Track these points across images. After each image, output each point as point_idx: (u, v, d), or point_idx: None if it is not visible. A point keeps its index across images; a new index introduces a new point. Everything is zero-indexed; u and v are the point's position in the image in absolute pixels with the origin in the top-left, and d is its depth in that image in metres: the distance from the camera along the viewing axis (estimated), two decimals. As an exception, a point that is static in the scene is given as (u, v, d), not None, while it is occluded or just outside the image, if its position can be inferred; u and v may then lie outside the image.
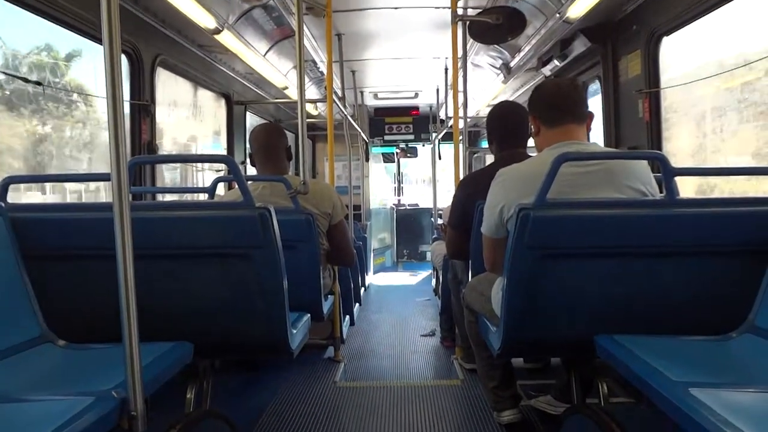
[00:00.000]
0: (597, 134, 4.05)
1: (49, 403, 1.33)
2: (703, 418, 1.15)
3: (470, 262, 2.76)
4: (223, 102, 5.14)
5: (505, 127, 2.83)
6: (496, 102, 6.79)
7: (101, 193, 3.46)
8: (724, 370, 1.57)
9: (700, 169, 3.03)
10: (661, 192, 2.06)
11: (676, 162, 2.94)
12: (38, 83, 2.75)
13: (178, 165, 4.68)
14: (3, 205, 1.84)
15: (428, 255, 9.03)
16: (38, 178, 3.06)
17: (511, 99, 6.45)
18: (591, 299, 1.87)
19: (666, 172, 1.81)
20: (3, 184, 1.91)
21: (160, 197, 3.80)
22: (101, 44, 1.29)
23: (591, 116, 2.11)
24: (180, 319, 1.94)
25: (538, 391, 2.88)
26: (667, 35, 3.27)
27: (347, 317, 4.44)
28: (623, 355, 1.61)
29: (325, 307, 2.88)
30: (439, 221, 6.81)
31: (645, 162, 2.07)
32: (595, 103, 4.06)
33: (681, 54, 3.25)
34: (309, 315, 2.53)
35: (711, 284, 1.85)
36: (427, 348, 4.18)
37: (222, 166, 4.70)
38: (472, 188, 2.72)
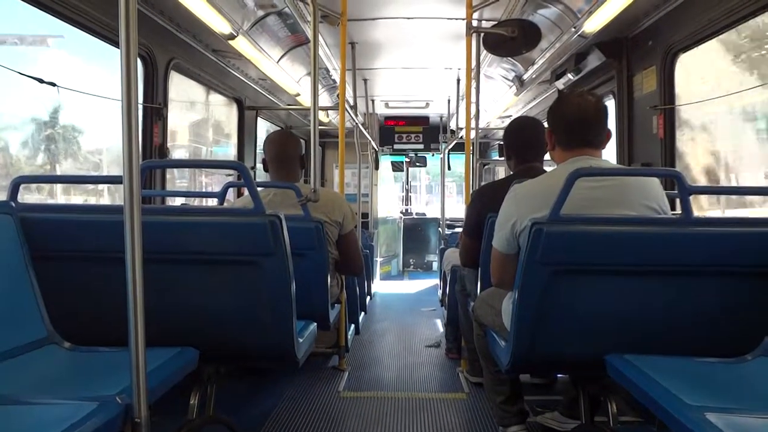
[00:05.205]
0: (610, 150, 4.00)
1: (53, 407, 1.32)
2: None
3: (480, 274, 2.74)
4: (234, 107, 5.15)
5: (523, 142, 2.86)
6: (507, 114, 6.82)
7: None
8: (739, 395, 1.54)
9: (717, 188, 3.00)
10: (672, 210, 2.03)
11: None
12: (52, 84, 2.75)
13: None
14: (13, 204, 1.84)
15: (434, 265, 8.98)
16: (49, 179, 3.06)
17: (522, 111, 6.45)
18: (603, 317, 1.84)
19: (682, 190, 1.79)
20: (14, 183, 1.90)
21: (170, 200, 3.80)
22: (117, 47, 1.29)
23: (608, 135, 2.09)
24: (186, 325, 1.93)
25: (545, 407, 2.84)
26: (684, 52, 3.24)
27: (352, 326, 4.41)
28: (635, 376, 1.58)
29: (332, 315, 2.86)
30: (447, 231, 6.78)
31: (657, 179, 2.05)
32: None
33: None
34: (315, 324, 2.51)
35: (726, 305, 1.82)
36: (432, 359, 4.15)
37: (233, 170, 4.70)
38: (489, 198, 2.72)
